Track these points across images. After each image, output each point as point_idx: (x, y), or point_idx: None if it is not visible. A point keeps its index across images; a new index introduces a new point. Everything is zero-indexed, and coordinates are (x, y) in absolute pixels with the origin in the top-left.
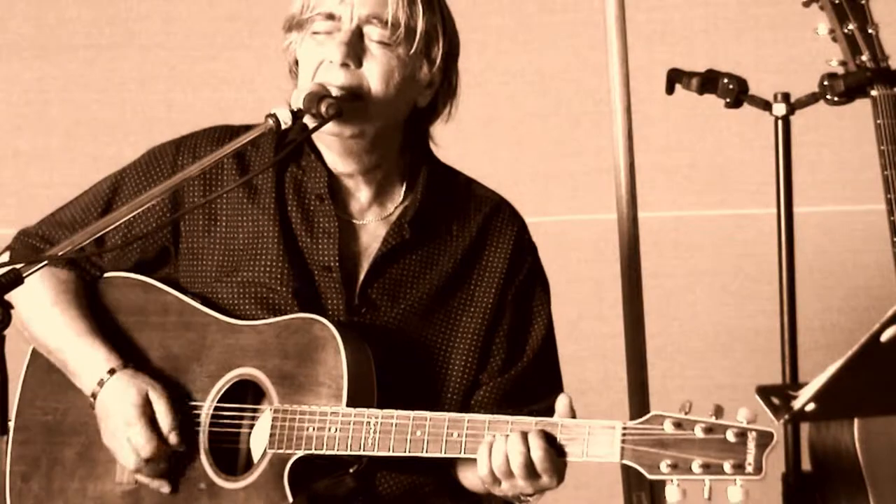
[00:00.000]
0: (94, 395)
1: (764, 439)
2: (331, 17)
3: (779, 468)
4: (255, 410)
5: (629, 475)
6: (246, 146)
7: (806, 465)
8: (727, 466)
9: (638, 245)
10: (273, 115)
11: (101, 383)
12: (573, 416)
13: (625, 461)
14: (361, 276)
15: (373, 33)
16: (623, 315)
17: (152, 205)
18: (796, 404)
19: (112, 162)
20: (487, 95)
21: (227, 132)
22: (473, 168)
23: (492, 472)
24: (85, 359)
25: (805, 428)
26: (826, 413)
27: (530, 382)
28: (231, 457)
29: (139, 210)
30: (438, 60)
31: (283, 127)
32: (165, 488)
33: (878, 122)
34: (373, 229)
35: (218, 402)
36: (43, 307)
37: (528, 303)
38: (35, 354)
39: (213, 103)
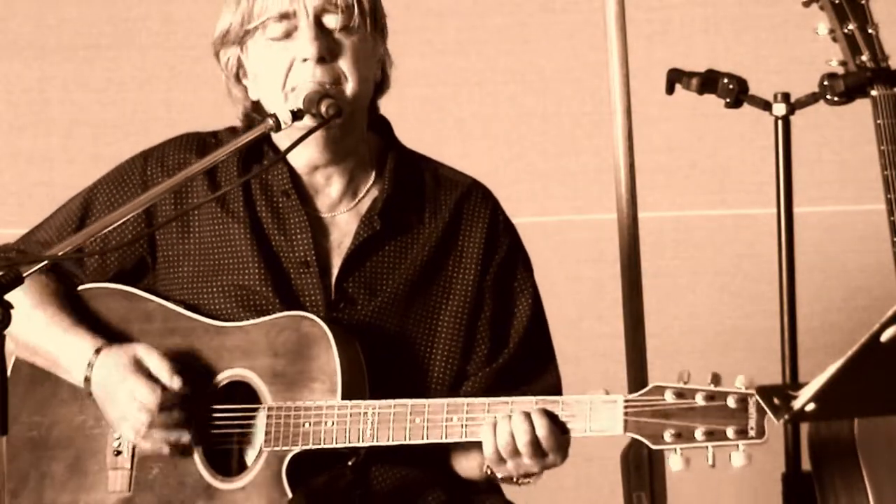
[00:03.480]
0: (87, 380)
1: None
2: (284, 16)
3: (779, 468)
4: (248, 410)
5: (629, 475)
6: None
7: (806, 465)
8: (730, 432)
9: (638, 245)
10: (273, 115)
11: (90, 365)
12: None
13: (628, 433)
14: (335, 271)
15: (331, 21)
16: (623, 315)
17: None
18: (796, 404)
19: (112, 162)
20: (487, 95)
21: (194, 139)
22: (473, 168)
23: (497, 452)
24: (73, 350)
25: (805, 427)
26: (826, 413)
27: (520, 366)
28: (226, 459)
29: (118, 223)
30: (386, 32)
31: (284, 127)
32: (186, 438)
33: (878, 122)
34: (343, 223)
35: (210, 404)
36: (25, 311)
37: (510, 285)
38: (16, 370)
39: (213, 103)
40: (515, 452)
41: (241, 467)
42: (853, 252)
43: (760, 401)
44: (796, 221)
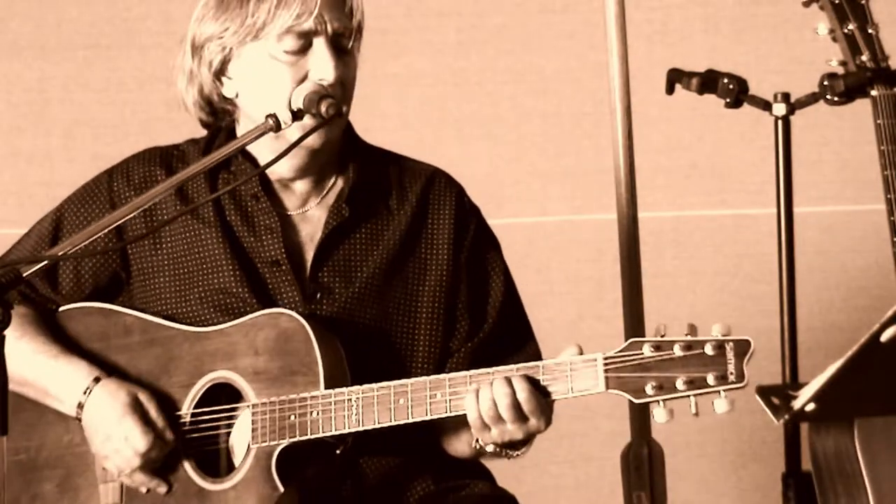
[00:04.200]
0: (80, 406)
1: (742, 347)
2: (305, 34)
3: (779, 468)
4: (232, 410)
5: (629, 475)
6: (176, 164)
7: (806, 465)
8: (710, 378)
9: (638, 245)
10: (273, 116)
11: (87, 391)
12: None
13: (611, 390)
14: (309, 264)
15: (344, 44)
16: (623, 315)
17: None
18: (796, 404)
19: (112, 162)
20: (487, 95)
21: (157, 153)
22: (473, 168)
23: (480, 418)
24: (66, 377)
25: (805, 428)
26: (826, 413)
27: (501, 340)
28: (214, 461)
29: (91, 238)
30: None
31: (284, 127)
32: (163, 488)
33: (878, 122)
34: (313, 217)
35: (194, 408)
36: (10, 342)
37: (482, 264)
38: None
39: None
40: (498, 418)
41: (231, 468)
42: (853, 252)
43: (760, 399)
44: (796, 221)
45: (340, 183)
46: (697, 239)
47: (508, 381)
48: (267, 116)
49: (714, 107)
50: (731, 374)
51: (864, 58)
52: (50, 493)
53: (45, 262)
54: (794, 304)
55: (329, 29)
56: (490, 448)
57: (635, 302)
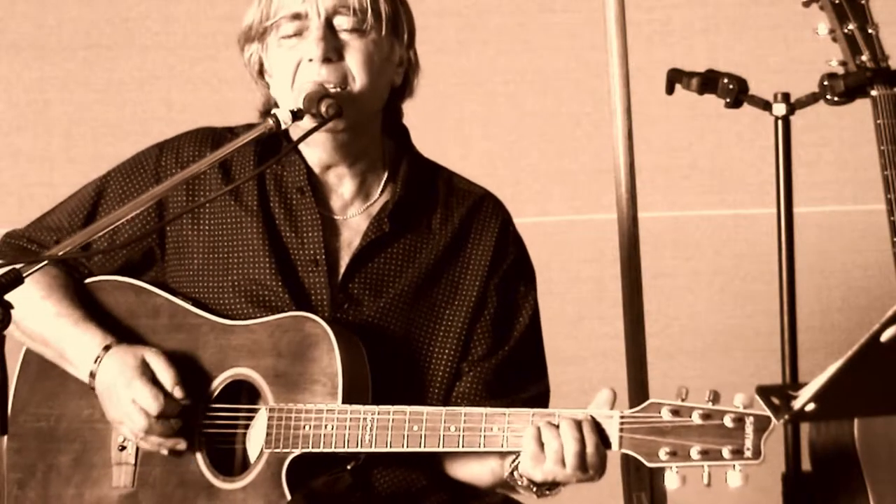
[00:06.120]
0: (92, 375)
1: (761, 423)
2: (297, 16)
3: (779, 468)
4: (250, 410)
5: (629, 475)
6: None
7: (806, 465)
8: (726, 452)
9: (638, 245)
10: (273, 116)
11: (97, 360)
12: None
13: (623, 450)
14: (342, 271)
15: (343, 23)
16: (623, 315)
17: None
18: (796, 404)
19: (112, 162)
20: (487, 95)
21: (210, 134)
22: (474, 168)
23: (540, 457)
24: (81, 344)
25: (805, 428)
26: (826, 413)
27: (513, 371)
28: (228, 458)
29: (129, 216)
30: (406, 38)
31: (284, 127)
32: (182, 445)
33: (878, 122)
34: (354, 224)
35: (213, 403)
36: (34, 302)
37: (513, 293)
38: (25, 362)
39: (213, 103)
40: (560, 461)
41: (245, 466)
42: (853, 252)
43: (760, 399)
44: (796, 221)
45: (386, 195)
46: (697, 239)
47: (578, 426)
48: (267, 117)
49: (714, 107)
50: (748, 449)
51: (864, 58)
52: (65, 466)
53: (45, 262)
54: (794, 304)
55: (321, 9)
56: (524, 482)
57: (635, 302)
